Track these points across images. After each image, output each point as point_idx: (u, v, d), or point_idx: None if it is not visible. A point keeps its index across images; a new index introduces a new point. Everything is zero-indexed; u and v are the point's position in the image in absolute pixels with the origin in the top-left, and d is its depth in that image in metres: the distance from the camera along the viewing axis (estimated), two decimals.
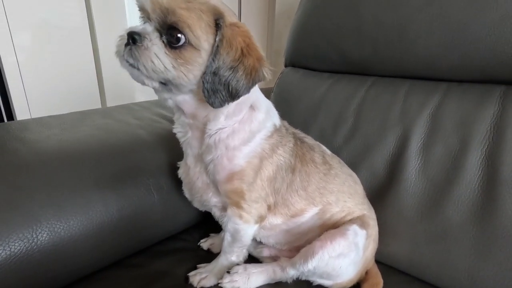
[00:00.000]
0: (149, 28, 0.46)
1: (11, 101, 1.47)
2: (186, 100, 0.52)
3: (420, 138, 0.70)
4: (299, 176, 0.60)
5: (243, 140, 0.54)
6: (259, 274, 0.60)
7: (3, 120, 1.49)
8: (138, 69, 0.45)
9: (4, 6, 1.35)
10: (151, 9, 0.45)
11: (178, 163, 0.64)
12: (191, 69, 0.46)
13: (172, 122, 0.60)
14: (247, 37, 0.48)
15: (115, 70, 1.81)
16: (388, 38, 0.77)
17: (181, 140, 0.59)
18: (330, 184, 0.62)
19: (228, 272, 0.60)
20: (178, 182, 0.64)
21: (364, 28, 0.81)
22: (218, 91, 0.47)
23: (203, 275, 0.60)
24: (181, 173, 0.62)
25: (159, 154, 0.72)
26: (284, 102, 0.96)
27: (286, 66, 1.07)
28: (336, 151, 0.76)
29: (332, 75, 0.93)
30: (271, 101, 0.99)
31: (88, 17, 1.64)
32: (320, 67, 0.96)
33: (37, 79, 1.52)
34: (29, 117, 1.46)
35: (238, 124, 0.54)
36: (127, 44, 0.45)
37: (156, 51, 0.44)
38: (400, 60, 0.78)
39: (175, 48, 0.45)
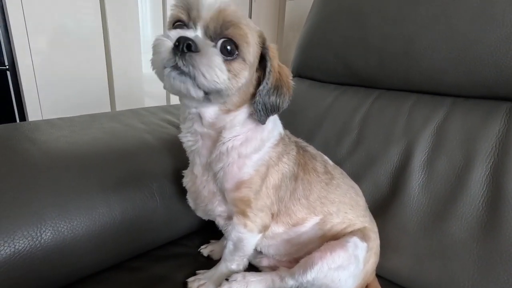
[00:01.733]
0: (200, 36, 0.45)
1: (24, 102, 1.52)
2: (211, 110, 0.52)
3: (424, 152, 0.70)
4: (302, 184, 0.60)
5: (254, 148, 0.55)
6: (257, 283, 0.59)
7: (15, 121, 1.54)
8: (194, 78, 0.43)
9: (23, 10, 1.41)
10: (211, 18, 0.45)
11: (183, 172, 0.64)
12: (238, 82, 0.47)
13: (177, 127, 0.61)
14: (277, 57, 0.53)
15: (125, 75, 1.86)
16: (394, 52, 0.78)
17: (191, 149, 0.58)
18: (331, 194, 0.62)
19: (227, 279, 0.59)
20: (181, 188, 0.65)
21: (371, 42, 0.82)
22: (266, 109, 0.52)
23: (202, 282, 0.60)
24: (186, 182, 0.62)
25: (164, 159, 0.73)
26: (289, 112, 0.96)
27: (293, 76, 1.08)
28: (339, 162, 0.77)
29: (338, 87, 0.94)
30: None
31: (102, 23, 1.69)
32: (326, 79, 0.97)
33: (50, 82, 1.56)
34: (41, 119, 1.50)
35: (251, 132, 0.55)
36: (179, 51, 0.42)
37: (218, 60, 0.44)
38: (406, 74, 0.79)
39: (227, 60, 0.45)
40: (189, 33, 0.44)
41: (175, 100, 1.99)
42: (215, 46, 0.45)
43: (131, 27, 1.84)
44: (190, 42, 0.42)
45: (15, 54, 1.43)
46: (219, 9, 0.44)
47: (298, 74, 1.05)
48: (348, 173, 0.72)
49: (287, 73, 0.55)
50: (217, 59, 0.44)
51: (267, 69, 0.51)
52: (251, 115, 0.55)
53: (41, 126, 0.73)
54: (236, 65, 0.46)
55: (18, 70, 1.46)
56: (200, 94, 0.45)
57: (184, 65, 0.42)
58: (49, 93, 1.57)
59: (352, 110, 0.85)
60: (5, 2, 1.36)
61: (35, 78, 1.51)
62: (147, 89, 1.98)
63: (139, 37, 1.88)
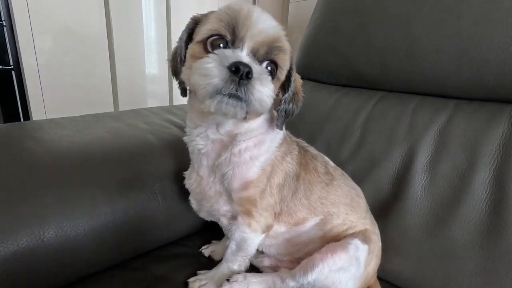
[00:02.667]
0: (250, 59, 0.44)
1: (28, 101, 1.53)
2: (232, 120, 0.53)
3: (426, 154, 0.70)
4: (303, 184, 0.61)
5: (265, 149, 0.56)
6: (258, 284, 0.59)
7: (20, 120, 1.55)
8: (247, 103, 0.43)
9: (29, 11, 1.42)
10: (262, 42, 0.45)
11: (184, 173, 0.64)
12: (273, 99, 0.48)
13: (180, 127, 0.62)
14: None
15: (129, 76, 1.87)
16: (397, 54, 0.78)
17: (201, 152, 0.56)
18: (332, 195, 0.63)
19: (228, 280, 0.60)
20: (183, 188, 0.65)
21: (374, 43, 0.82)
22: (286, 115, 0.55)
23: (203, 282, 0.60)
24: (190, 183, 0.61)
25: (166, 159, 0.73)
26: None
27: None
28: (341, 164, 0.77)
29: (340, 89, 0.94)
30: None
31: (106, 24, 1.70)
32: (329, 80, 0.97)
33: (54, 82, 1.57)
34: (44, 118, 1.51)
35: (263, 134, 0.56)
36: (236, 78, 0.41)
37: (270, 88, 0.45)
38: (409, 76, 0.78)
39: None
40: (244, 58, 0.43)
41: (177, 100, 2.00)
42: (267, 72, 0.46)
43: (135, 28, 1.85)
44: (248, 70, 0.41)
45: (20, 54, 1.45)
46: (273, 36, 0.45)
47: (301, 75, 1.04)
48: (350, 175, 0.72)
49: (300, 80, 0.58)
50: (270, 86, 0.45)
51: (292, 79, 0.53)
52: (266, 120, 0.57)
53: (44, 125, 0.74)
54: (273, 84, 0.47)
55: (23, 70, 1.48)
56: (244, 114, 0.45)
57: (243, 92, 0.42)
58: (53, 92, 1.58)
59: (355, 112, 0.85)
60: (10, 2, 1.37)
61: (39, 77, 1.52)
62: (150, 89, 1.99)
63: (143, 37, 1.89)
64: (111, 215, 0.60)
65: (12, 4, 1.37)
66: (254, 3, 2.21)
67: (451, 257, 0.62)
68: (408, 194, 0.69)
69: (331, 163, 0.69)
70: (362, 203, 0.67)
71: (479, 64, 0.67)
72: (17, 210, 0.52)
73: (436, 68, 0.73)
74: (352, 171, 0.77)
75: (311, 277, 0.55)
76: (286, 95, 0.53)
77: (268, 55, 0.46)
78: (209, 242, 0.75)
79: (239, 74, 0.40)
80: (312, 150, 0.68)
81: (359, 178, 0.75)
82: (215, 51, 0.44)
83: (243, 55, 0.44)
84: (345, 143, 0.83)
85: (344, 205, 0.63)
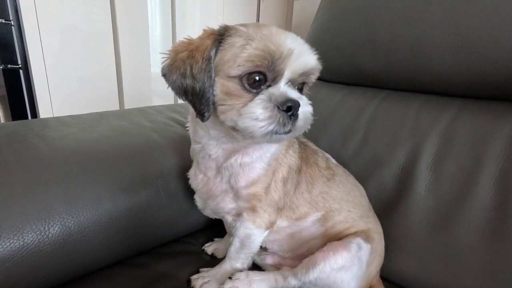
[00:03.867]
0: (293, 90, 0.46)
1: (36, 99, 1.55)
2: None
3: (431, 153, 0.69)
4: (305, 178, 0.61)
5: (273, 146, 0.57)
6: (260, 282, 0.59)
7: (27, 118, 1.57)
8: (298, 130, 0.46)
9: (36, 11, 1.44)
10: (302, 73, 0.47)
11: (187, 174, 0.64)
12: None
13: (184, 126, 0.62)
14: None
15: (134, 75, 1.89)
16: (402, 52, 0.77)
17: (211, 157, 0.56)
18: (334, 191, 0.63)
19: (230, 278, 0.60)
20: (186, 186, 0.65)
21: (378, 41, 0.81)
22: None
23: (206, 280, 0.60)
24: (196, 183, 0.61)
25: (170, 157, 0.74)
26: None
27: None
28: (345, 162, 0.76)
29: (344, 87, 0.93)
30: None
31: (112, 24, 1.71)
32: (333, 79, 0.97)
33: (61, 80, 1.59)
34: (51, 116, 1.53)
35: None
36: (287, 115, 0.43)
37: (311, 108, 0.47)
38: (414, 75, 0.78)
39: None
40: (292, 94, 0.45)
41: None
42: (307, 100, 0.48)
43: (141, 27, 1.87)
44: (295, 104, 0.43)
45: (28, 53, 1.47)
46: (313, 68, 0.47)
47: None
48: (354, 173, 0.71)
49: None
50: (310, 107, 0.47)
51: None
52: None
53: (50, 123, 0.75)
54: None
55: (31, 69, 1.50)
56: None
57: (293, 126, 0.44)
58: (60, 91, 1.60)
59: (359, 110, 0.85)
60: (18, 3, 1.39)
61: (47, 76, 1.54)
62: (155, 88, 2.00)
63: (148, 37, 1.90)
64: (115, 211, 0.61)
65: (20, 4, 1.39)
66: (258, 2, 2.20)
67: (455, 257, 0.62)
68: (412, 193, 0.69)
69: (332, 160, 0.69)
70: (364, 201, 0.67)
71: (485, 62, 0.66)
72: (23, 206, 0.53)
73: (441, 66, 0.72)
74: (355, 169, 0.76)
75: (313, 275, 0.55)
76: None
77: (304, 80, 0.49)
78: (212, 240, 0.75)
79: (291, 112, 0.43)
80: (312, 145, 0.68)
81: (363, 177, 0.74)
82: (263, 93, 0.44)
83: (288, 90, 0.45)
84: (349, 141, 0.82)
85: (346, 202, 0.63)
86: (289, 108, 0.43)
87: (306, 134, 0.70)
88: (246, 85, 0.44)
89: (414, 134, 0.73)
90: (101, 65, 1.73)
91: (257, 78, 0.44)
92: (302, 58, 0.45)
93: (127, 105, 1.88)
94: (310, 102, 0.48)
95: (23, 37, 1.44)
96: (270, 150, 0.56)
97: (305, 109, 0.46)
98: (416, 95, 0.79)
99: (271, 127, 0.43)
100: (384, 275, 0.68)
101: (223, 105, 0.45)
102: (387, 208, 0.72)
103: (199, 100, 0.46)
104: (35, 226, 0.52)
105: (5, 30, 1.42)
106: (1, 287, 0.50)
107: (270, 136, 0.44)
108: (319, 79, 1.00)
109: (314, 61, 0.48)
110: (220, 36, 0.46)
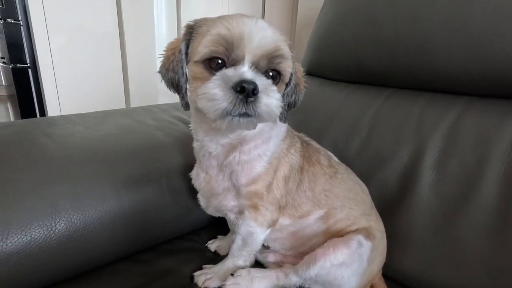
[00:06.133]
0: (253, 73, 0.44)
1: (44, 98, 1.58)
2: None
3: (435, 152, 0.69)
4: (307, 176, 0.61)
5: (272, 144, 0.57)
6: (262, 279, 0.60)
7: (36, 116, 1.60)
8: (258, 117, 0.44)
9: (44, 10, 1.46)
10: (262, 55, 0.45)
11: (189, 174, 0.65)
12: (280, 108, 0.48)
13: (187, 124, 0.62)
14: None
15: (140, 73, 1.90)
16: (407, 49, 0.77)
17: (211, 155, 0.57)
18: (336, 188, 0.63)
19: (232, 274, 0.60)
20: (190, 184, 0.66)
21: (383, 40, 0.80)
22: (288, 108, 0.55)
23: (208, 276, 0.61)
24: (199, 183, 0.61)
25: (173, 155, 0.75)
26: (300, 110, 0.96)
27: (304, 74, 1.08)
28: (348, 160, 0.76)
29: (348, 85, 0.93)
30: None
31: (118, 23, 1.73)
32: (337, 77, 0.97)
33: (68, 79, 1.62)
34: (59, 114, 1.56)
35: (270, 130, 0.57)
36: (244, 97, 0.42)
37: (278, 98, 0.45)
38: (419, 73, 0.77)
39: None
40: (248, 74, 0.43)
41: None
42: (272, 82, 0.46)
43: (146, 27, 1.88)
44: (254, 86, 0.41)
45: (36, 52, 1.49)
46: (271, 47, 0.45)
47: (309, 72, 1.04)
48: (357, 172, 0.71)
49: (301, 70, 0.57)
50: (277, 96, 0.45)
51: (292, 70, 0.52)
52: None
53: (57, 121, 0.76)
54: (278, 89, 0.48)
55: (39, 68, 1.52)
56: (255, 126, 0.48)
57: (252, 110, 0.42)
58: (68, 89, 1.63)
59: (363, 108, 0.84)
60: (27, 2, 1.42)
61: (55, 75, 1.57)
62: (161, 87, 2.01)
63: (154, 36, 1.92)
64: (119, 208, 0.62)
65: (29, 5, 1.42)
66: (263, 2, 2.20)
67: (458, 256, 0.61)
68: (415, 192, 0.68)
69: (335, 158, 0.69)
70: (366, 199, 0.67)
71: (491, 60, 0.65)
72: (30, 202, 0.54)
73: (446, 64, 0.71)
74: (359, 168, 0.76)
75: (313, 271, 0.55)
76: (288, 88, 0.53)
77: (270, 65, 0.46)
78: (215, 237, 0.76)
79: (245, 93, 0.41)
80: (314, 144, 0.68)
81: (366, 175, 0.74)
82: (217, 73, 0.44)
83: (245, 71, 0.44)
84: (353, 140, 0.82)
85: (348, 199, 0.63)
86: (243, 89, 0.41)
87: (310, 132, 0.71)
88: (209, 69, 0.46)
89: (418, 133, 0.72)
90: (108, 64, 1.75)
91: (219, 61, 0.45)
92: (255, 39, 0.44)
93: (133, 104, 1.90)
94: (278, 96, 0.45)
95: (31, 36, 1.47)
96: (269, 148, 0.57)
97: (270, 100, 0.44)
98: (421, 93, 0.78)
99: (223, 106, 0.42)
100: (387, 273, 0.68)
101: (193, 91, 0.47)
102: (390, 207, 0.72)
103: (179, 90, 0.51)
104: (42, 222, 0.53)
105: (14, 30, 1.44)
106: (10, 281, 0.51)
107: (227, 119, 0.43)
108: (323, 77, 1.01)
109: (271, 40, 0.45)
110: (190, 29, 0.49)
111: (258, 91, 0.42)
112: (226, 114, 0.42)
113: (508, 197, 0.59)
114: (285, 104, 0.54)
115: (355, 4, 0.89)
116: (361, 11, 0.86)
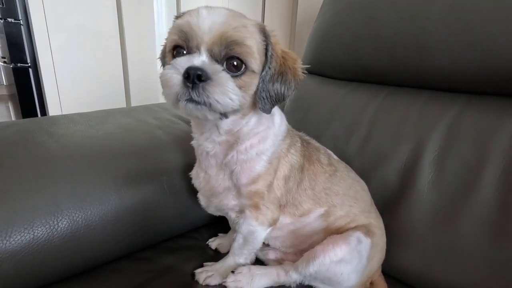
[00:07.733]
0: (206, 60, 0.44)
1: (45, 97, 1.58)
2: (226, 120, 0.51)
3: (435, 150, 0.69)
4: (307, 175, 0.61)
5: (270, 144, 0.57)
6: (262, 276, 0.60)
7: (37, 115, 1.61)
8: (210, 106, 0.43)
9: (44, 10, 1.46)
10: (213, 42, 0.44)
11: (189, 174, 0.65)
12: (250, 93, 0.48)
13: (188, 123, 0.63)
14: (280, 43, 0.52)
15: (140, 72, 1.90)
16: (406, 47, 0.77)
17: (209, 154, 0.57)
18: (336, 186, 0.63)
19: (233, 272, 0.61)
20: (190, 183, 0.66)
21: (383, 37, 0.80)
22: (270, 97, 0.51)
23: (209, 273, 0.62)
24: (199, 182, 0.62)
25: (174, 153, 0.75)
26: (300, 108, 0.97)
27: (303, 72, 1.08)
28: (348, 158, 0.76)
29: (348, 83, 0.93)
30: (287, 107, 1.00)
31: (118, 22, 1.73)
32: (337, 75, 0.97)
33: (69, 78, 1.62)
34: (60, 113, 1.56)
35: (266, 130, 0.57)
36: (190, 83, 0.42)
37: (230, 85, 0.44)
38: (419, 71, 0.77)
39: (236, 76, 0.46)
40: (196, 61, 0.44)
41: None
42: (224, 69, 0.45)
43: (147, 26, 1.88)
44: (200, 72, 0.42)
45: (37, 52, 1.50)
46: (219, 33, 0.44)
47: (309, 70, 1.03)
48: (357, 169, 0.71)
49: (294, 59, 0.53)
50: (230, 84, 0.44)
51: (268, 54, 0.49)
52: (263, 116, 0.56)
53: (59, 120, 0.77)
54: (246, 78, 0.47)
55: (40, 68, 1.53)
56: (217, 116, 0.46)
57: (198, 96, 0.43)
58: (68, 89, 1.63)
59: (363, 106, 0.84)
60: (27, 3, 1.42)
61: (55, 74, 1.57)
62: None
63: (154, 35, 1.92)
64: (121, 207, 0.63)
65: (29, 4, 1.42)
66: (263, 0, 2.20)
67: (458, 253, 0.62)
68: (415, 189, 0.69)
69: (334, 156, 0.69)
70: (366, 196, 0.67)
71: (491, 58, 0.65)
72: (32, 200, 0.54)
73: (446, 62, 0.71)
74: (359, 166, 0.76)
75: (313, 268, 0.55)
76: (264, 72, 0.49)
77: (228, 52, 0.45)
78: (216, 235, 0.77)
79: (191, 78, 0.42)
80: (314, 142, 0.68)
81: (365, 173, 0.74)
82: (172, 61, 0.45)
83: (197, 59, 0.44)
84: (353, 138, 0.82)
85: (348, 196, 0.63)
86: (188, 75, 0.42)
87: (309, 131, 0.71)
88: (174, 57, 0.47)
89: (418, 131, 0.73)
90: (108, 63, 1.76)
91: (184, 51, 0.47)
92: (205, 27, 0.44)
93: (134, 103, 1.91)
94: (230, 84, 0.44)
95: (32, 36, 1.47)
96: (268, 148, 0.57)
97: (221, 88, 0.43)
98: (420, 91, 0.78)
99: (172, 91, 0.44)
100: (386, 270, 0.68)
101: None
102: (390, 204, 0.72)
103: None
104: (44, 220, 0.54)
105: (15, 29, 1.45)
106: (13, 278, 0.52)
107: (180, 104, 0.44)
108: (323, 75, 1.01)
109: (219, 25, 0.44)
110: (175, 20, 0.50)
111: (206, 78, 0.42)
112: (177, 99, 0.44)
113: (507, 193, 0.59)
114: (260, 91, 0.50)
115: (354, 2, 0.89)
116: (361, 9, 0.86)
